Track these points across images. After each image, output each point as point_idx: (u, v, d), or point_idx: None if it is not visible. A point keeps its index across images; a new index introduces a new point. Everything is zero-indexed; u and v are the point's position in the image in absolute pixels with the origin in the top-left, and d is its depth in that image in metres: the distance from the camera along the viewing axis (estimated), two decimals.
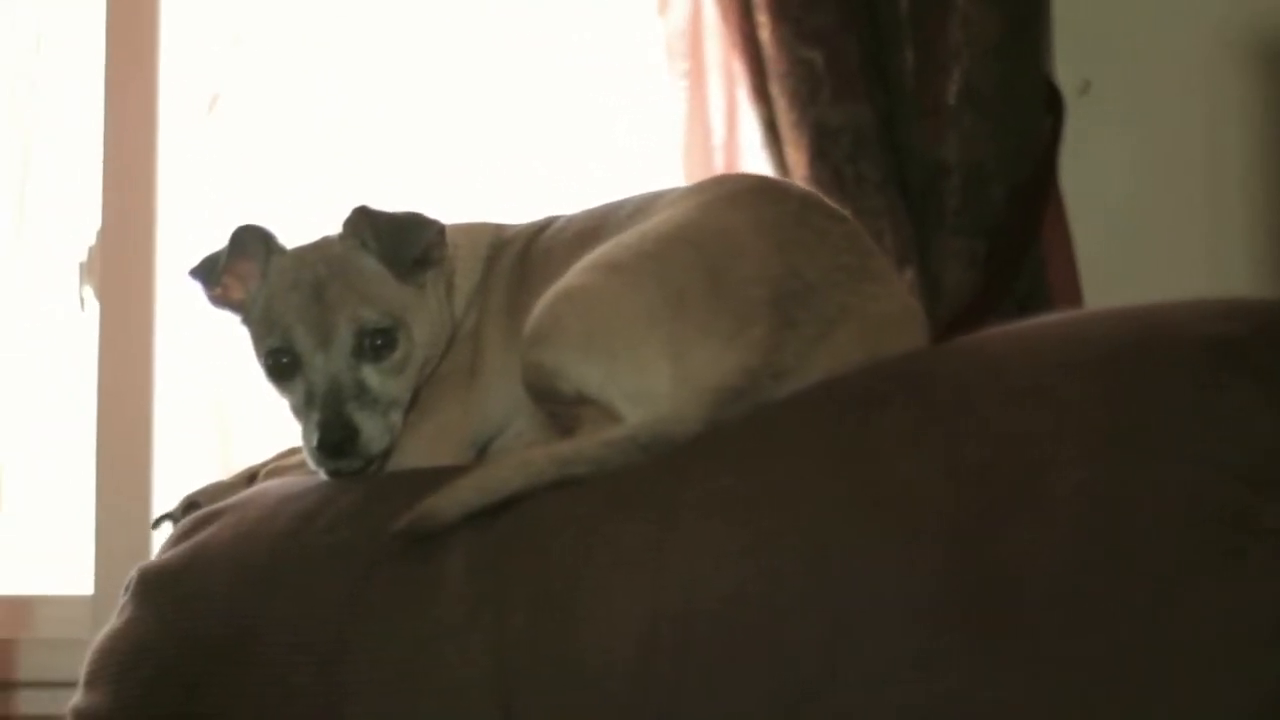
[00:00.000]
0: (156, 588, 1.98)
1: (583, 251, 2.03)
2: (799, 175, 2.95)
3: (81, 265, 3.38)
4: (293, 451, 2.26)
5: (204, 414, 3.39)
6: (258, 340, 2.11)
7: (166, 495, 3.32)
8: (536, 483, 1.82)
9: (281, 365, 2.07)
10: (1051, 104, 3.07)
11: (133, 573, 2.05)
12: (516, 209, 2.99)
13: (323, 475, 2.04)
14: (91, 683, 1.97)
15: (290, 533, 1.93)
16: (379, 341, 2.04)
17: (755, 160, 3.08)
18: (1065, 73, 3.13)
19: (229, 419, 3.37)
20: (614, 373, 1.85)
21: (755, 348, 1.81)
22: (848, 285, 1.88)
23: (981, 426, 1.70)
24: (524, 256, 2.15)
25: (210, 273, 2.11)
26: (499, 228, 2.24)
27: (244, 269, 2.13)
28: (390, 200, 3.12)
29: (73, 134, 3.43)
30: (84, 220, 3.40)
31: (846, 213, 2.01)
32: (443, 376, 2.12)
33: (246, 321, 2.15)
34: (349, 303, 2.04)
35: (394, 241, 2.06)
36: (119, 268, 3.33)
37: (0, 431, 3.20)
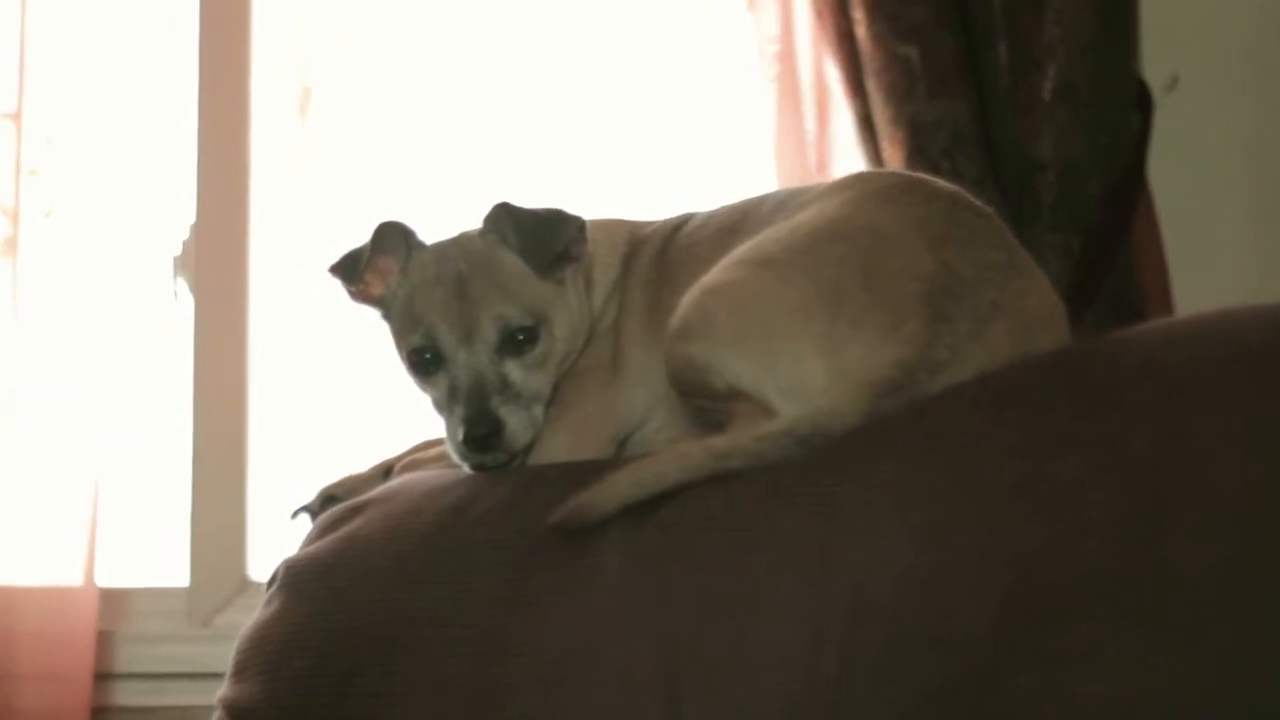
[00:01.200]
0: (306, 580, 1.99)
1: (725, 248, 2.04)
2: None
3: (175, 259, 3.40)
4: (426, 445, 2.28)
5: (297, 406, 3.40)
6: (399, 336, 2.12)
7: (261, 488, 3.35)
8: (693, 476, 1.83)
9: (424, 361, 2.09)
10: (1141, 100, 3.09)
11: (279, 565, 2.06)
12: (608, 205, 3.04)
13: (466, 469, 2.05)
14: (241, 673, 1.99)
15: (441, 526, 1.95)
16: (521, 337, 2.06)
17: (847, 155, 3.11)
18: (1151, 69, 3.14)
19: (321, 408, 3.39)
20: (768, 367, 1.87)
21: (910, 342, 1.83)
22: (998, 281, 1.90)
23: (1139, 422, 1.72)
24: (662, 253, 2.17)
25: (352, 270, 2.13)
26: (634, 224, 2.26)
27: (383, 265, 2.14)
28: (481, 195, 3.16)
29: (167, 129, 3.44)
30: (178, 214, 3.41)
31: (990, 210, 2.03)
32: (582, 371, 2.13)
33: (387, 317, 2.17)
34: (492, 299, 2.06)
35: (536, 238, 2.08)
36: (213, 261, 3.35)
37: (98, 425, 3.21)
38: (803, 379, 1.85)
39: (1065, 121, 2.98)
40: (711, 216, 2.18)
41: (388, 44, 3.38)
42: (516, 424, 2.03)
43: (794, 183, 3.15)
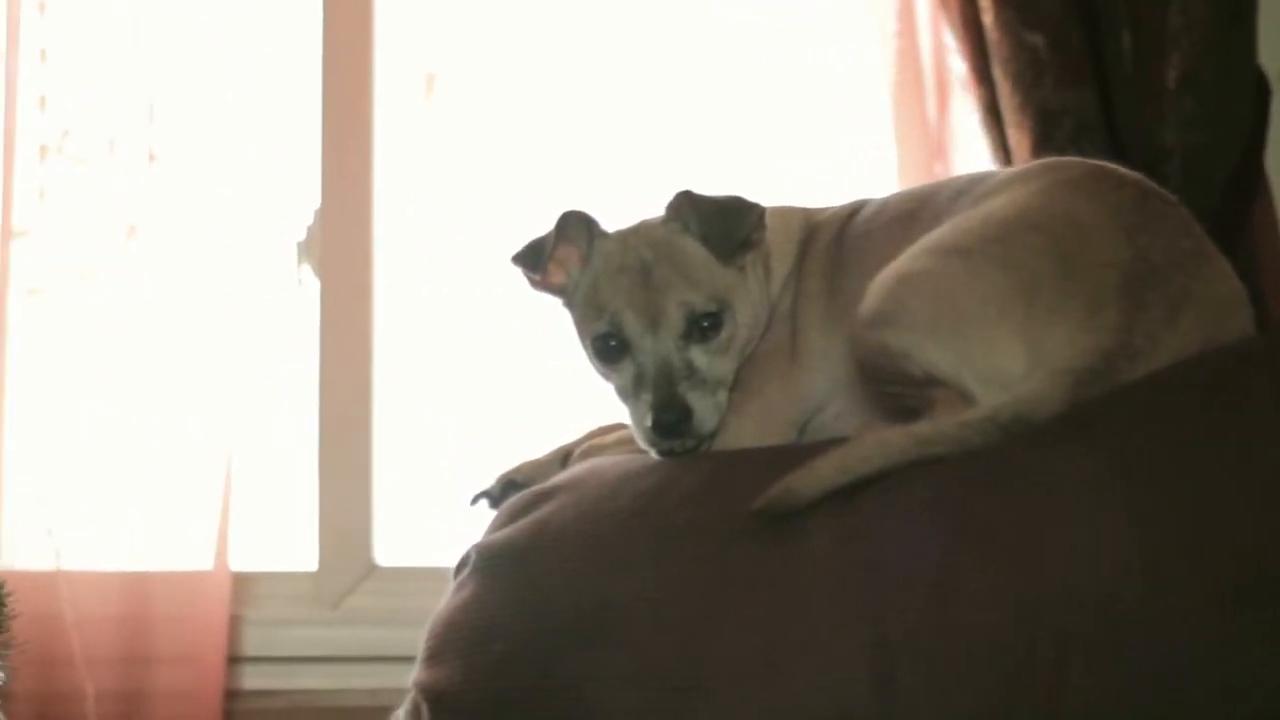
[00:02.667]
0: (501, 565, 2.01)
1: (903, 235, 2.07)
2: (1022, 157, 3.00)
3: (299, 245, 3.43)
4: (602, 430, 2.31)
5: (422, 391, 3.43)
6: (583, 324, 2.15)
7: (387, 474, 3.38)
8: (896, 462, 1.85)
9: (609, 348, 2.11)
10: (1259, 90, 3.11)
11: (469, 550, 2.08)
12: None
13: (654, 455, 2.07)
14: (436, 658, 2.00)
15: (637, 511, 1.97)
16: (705, 324, 2.08)
17: (968, 142, 3.13)
18: (1267, 60, 3.16)
19: (445, 394, 3.42)
20: (966, 355, 1.89)
21: (1109, 330, 1.85)
22: (1189, 268, 1.92)
23: None
24: (838, 239, 2.19)
25: (536, 259, 2.15)
26: (808, 210, 2.28)
27: (564, 253, 2.17)
28: (603, 179, 3.19)
29: (290, 114, 3.47)
30: (301, 200, 3.44)
31: (1175, 197, 2.05)
32: (762, 357, 2.15)
33: (569, 305, 2.19)
34: (677, 286, 2.08)
35: (719, 225, 2.10)
36: (338, 247, 3.38)
37: (228, 413, 3.24)
38: (1001, 367, 1.87)
39: (1189, 110, 3.00)
40: (886, 203, 2.20)
41: (510, 28, 3.40)
42: (703, 409, 2.06)
43: (913, 168, 3.19)
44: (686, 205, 2.12)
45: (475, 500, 2.26)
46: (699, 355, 2.08)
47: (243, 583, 3.29)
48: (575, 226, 2.15)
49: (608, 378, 2.14)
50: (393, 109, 3.45)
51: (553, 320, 3.16)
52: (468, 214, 3.37)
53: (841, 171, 3.29)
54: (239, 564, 3.29)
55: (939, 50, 3.21)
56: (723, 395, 2.10)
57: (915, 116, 3.22)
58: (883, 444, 1.87)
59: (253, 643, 3.27)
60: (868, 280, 2.04)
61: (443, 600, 2.09)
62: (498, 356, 3.31)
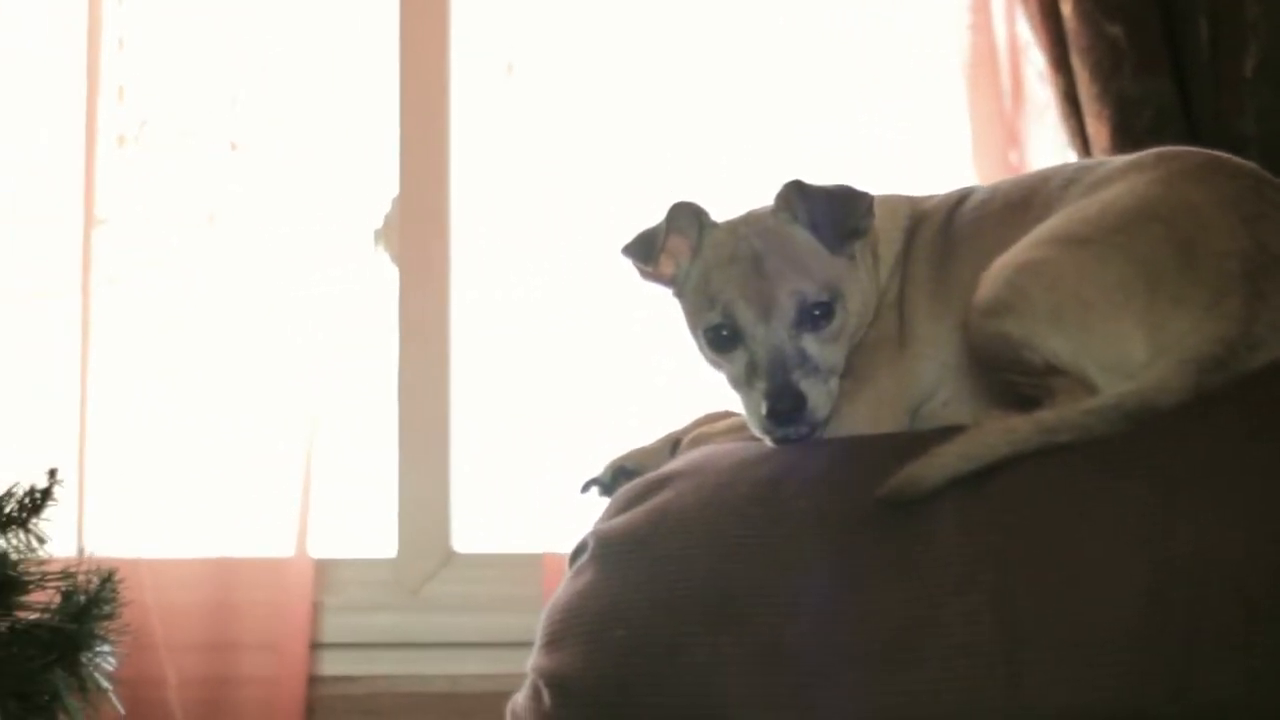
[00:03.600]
0: (621, 552, 2.03)
1: (1014, 223, 2.09)
2: (1101, 146, 3.02)
3: (377, 232, 3.45)
4: (710, 418, 2.33)
5: (499, 379, 3.45)
6: (695, 314, 2.16)
7: (465, 461, 3.40)
8: (1020, 450, 1.87)
9: (721, 338, 2.12)
10: None
11: (587, 537, 2.10)
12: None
13: (768, 442, 2.09)
14: (556, 643, 2.02)
15: (757, 498, 1.99)
16: (817, 312, 2.10)
17: (1042, 131, 3.16)
18: None
19: (521, 382, 3.44)
20: (1087, 344, 1.91)
21: (1232, 319, 1.87)
22: None
23: None
24: (946, 227, 2.20)
25: (648, 250, 2.17)
26: (913, 199, 2.29)
27: (674, 244, 2.18)
28: (680, 167, 3.21)
29: (368, 103, 3.49)
30: (379, 188, 3.47)
31: None
32: (870, 345, 2.17)
33: (679, 296, 2.21)
34: (788, 276, 2.10)
35: (829, 215, 2.12)
36: (416, 233, 3.41)
37: (307, 401, 3.26)
38: (1124, 355, 1.89)
39: (1267, 99, 3.02)
40: (994, 192, 2.21)
41: (590, 17, 3.41)
42: (817, 397, 2.07)
43: (988, 157, 3.21)
44: (796, 195, 2.13)
45: (586, 487, 2.29)
46: (811, 344, 2.10)
47: (323, 570, 3.32)
48: (685, 217, 2.17)
49: (719, 367, 2.15)
50: (471, 97, 3.47)
51: (631, 307, 3.20)
52: (545, 200, 3.38)
53: (917, 160, 3.30)
54: (320, 551, 3.31)
55: (1013, 39, 3.24)
56: (834, 383, 2.11)
57: (990, 106, 3.24)
58: (1008, 431, 1.88)
59: (333, 629, 3.29)
60: (979, 268, 2.06)
61: (560, 586, 2.10)
62: (574, 343, 3.31)
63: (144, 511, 3.21)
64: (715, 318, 2.12)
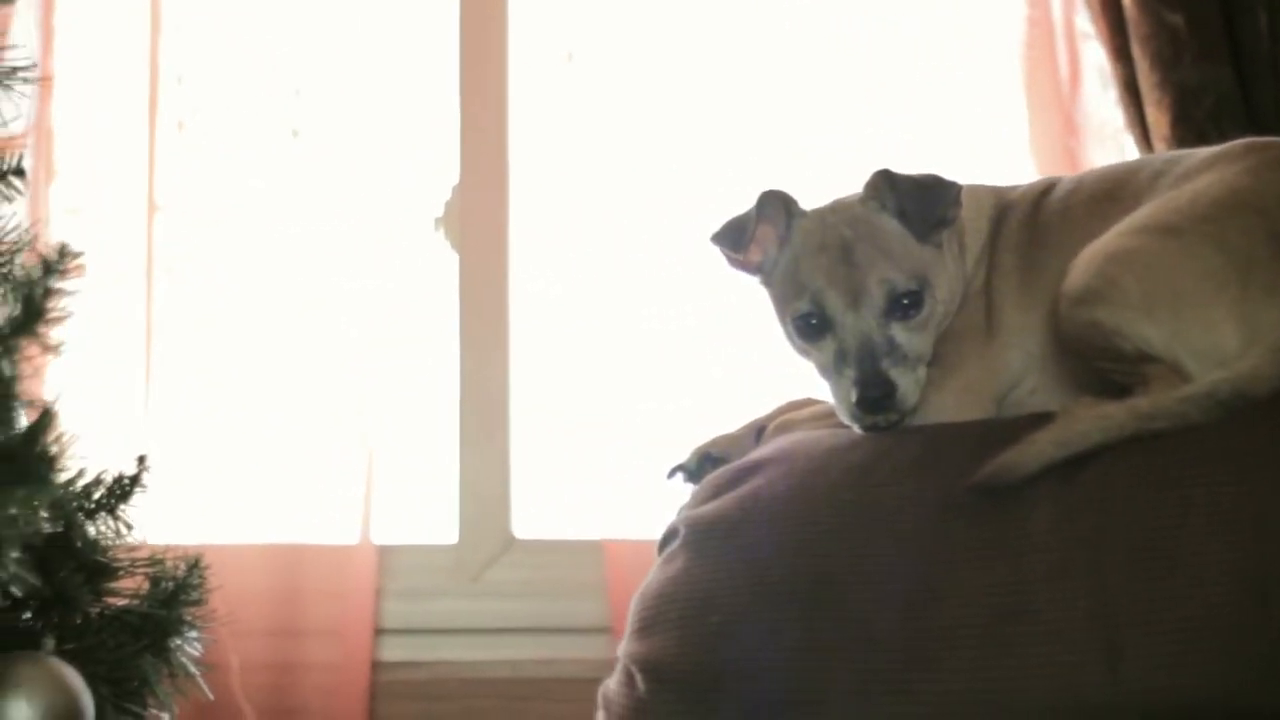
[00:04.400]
0: (713, 538, 2.05)
1: (1104, 213, 2.10)
2: (1161, 134, 3.04)
3: (437, 219, 3.47)
4: (793, 405, 2.34)
5: (557, 365, 3.47)
6: (783, 302, 2.18)
7: (525, 448, 3.42)
8: (1115, 437, 1.89)
9: (810, 326, 2.14)
10: None
11: (677, 523, 2.11)
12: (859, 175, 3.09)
13: (856, 430, 2.10)
14: (648, 629, 2.04)
15: (850, 485, 2.01)
16: (906, 301, 2.11)
17: (1100, 118, 3.17)
18: None
19: (580, 368, 3.45)
20: (1180, 332, 1.93)
21: None
22: None
23: None
24: (1032, 217, 2.21)
25: (738, 238, 2.18)
26: (996, 189, 2.30)
27: (762, 232, 2.20)
28: (739, 155, 3.22)
29: (427, 89, 3.50)
30: (439, 175, 3.49)
31: None
32: (958, 333, 2.18)
33: (767, 284, 2.22)
34: (878, 264, 2.11)
35: (919, 204, 2.13)
36: (476, 221, 3.43)
37: (371, 389, 3.28)
38: (1217, 344, 1.91)
39: None
40: (1080, 182, 2.23)
41: (649, 5, 3.42)
42: (906, 385, 2.09)
43: (1047, 146, 3.23)
44: (884, 184, 2.15)
45: (672, 473, 2.30)
46: (900, 332, 2.11)
47: (385, 556, 3.33)
48: (774, 205, 2.18)
49: (806, 355, 2.17)
50: (530, 85, 3.49)
51: (690, 293, 3.22)
52: (604, 186, 3.40)
53: (975, 150, 3.32)
54: (382, 538, 3.32)
55: (1070, 28, 3.26)
56: (923, 371, 2.13)
57: (1048, 94, 3.26)
58: (1102, 418, 1.90)
59: (395, 615, 3.30)
60: (1068, 259, 2.07)
61: (650, 573, 2.12)
62: (633, 330, 3.33)
63: (209, 498, 3.23)
64: (804, 306, 2.14)
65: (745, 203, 3.11)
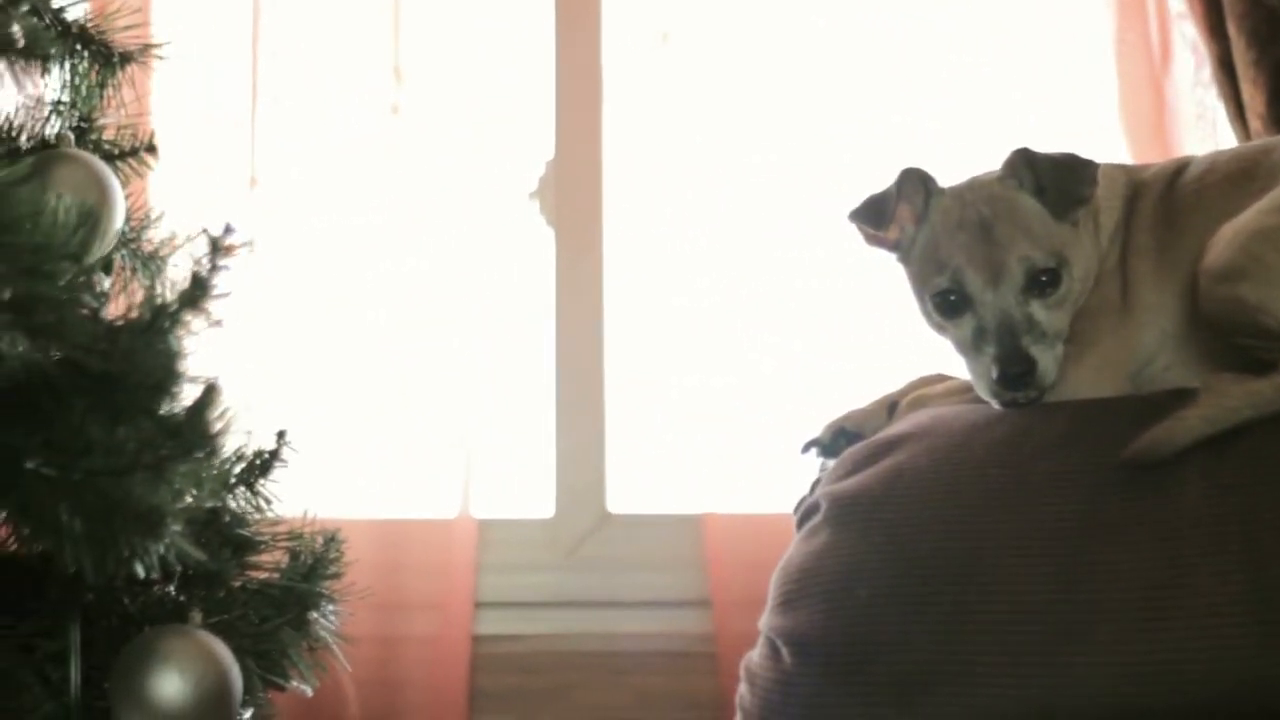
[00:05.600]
0: (857, 512, 2.07)
1: (1240, 192, 2.12)
2: (1256, 112, 3.04)
3: (532, 195, 3.49)
4: (924, 381, 2.36)
5: (651, 343, 3.49)
6: (921, 280, 2.19)
7: (621, 423, 3.43)
8: (1264, 412, 1.92)
9: (949, 303, 2.16)
10: None
11: (817, 498, 2.13)
12: (950, 154, 3.11)
13: (996, 406, 2.12)
14: (793, 603, 2.06)
15: (997, 460, 2.03)
16: (1044, 278, 2.13)
17: (1192, 96, 3.18)
18: None
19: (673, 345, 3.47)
20: None
21: None
22: None
23: None
24: (1166, 196, 2.23)
25: (879, 216, 2.20)
26: (1127, 168, 2.32)
27: (900, 210, 2.21)
28: (831, 135, 3.23)
29: (521, 66, 3.52)
30: (535, 151, 3.51)
31: None
32: (1093, 311, 2.20)
33: (905, 261, 2.24)
34: (1017, 242, 2.13)
35: (1057, 182, 2.15)
36: (571, 196, 3.45)
37: (470, 367, 3.30)
38: None
39: None
40: (1214, 162, 2.24)
41: None
42: (1046, 362, 2.11)
43: (1137, 121, 3.24)
44: (1023, 163, 2.17)
45: (805, 448, 2.32)
46: (1038, 309, 2.13)
47: (483, 530, 3.35)
48: (912, 183, 2.20)
49: (944, 332, 2.19)
50: (625, 64, 3.51)
51: (782, 267, 3.24)
52: (698, 163, 3.40)
53: (1067, 125, 3.33)
54: (481, 513, 3.34)
55: (1161, 4, 3.26)
56: (1060, 348, 2.15)
57: (1140, 70, 3.26)
58: (1250, 394, 1.92)
59: (492, 589, 3.32)
60: (1204, 237, 2.10)
61: (791, 548, 2.14)
62: (727, 304, 3.35)
63: (313, 473, 3.24)
64: (943, 283, 2.16)
65: (840, 177, 3.15)
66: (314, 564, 2.24)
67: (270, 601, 2.19)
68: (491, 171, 3.42)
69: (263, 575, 2.22)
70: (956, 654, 1.92)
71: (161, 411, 1.80)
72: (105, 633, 2.05)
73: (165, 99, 3.29)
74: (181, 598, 2.12)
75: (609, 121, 3.49)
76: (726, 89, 3.40)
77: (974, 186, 2.20)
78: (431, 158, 3.38)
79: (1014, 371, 2.09)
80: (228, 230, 1.88)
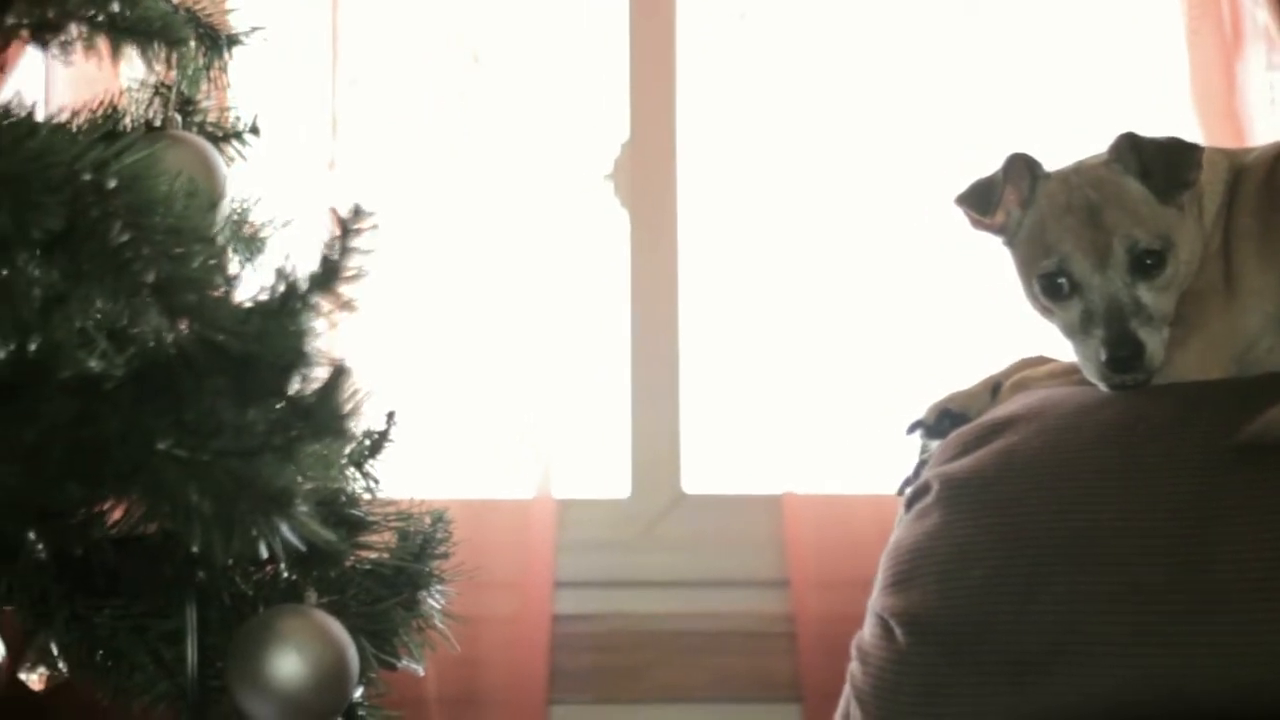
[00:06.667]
0: (968, 493, 2.09)
1: None
2: None
3: (607, 176, 3.51)
4: (1025, 364, 2.38)
5: (725, 324, 3.51)
6: (1027, 264, 2.21)
7: (696, 402, 3.46)
8: None
9: (1056, 287, 2.18)
10: None
11: (928, 479, 2.15)
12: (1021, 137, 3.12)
13: (1103, 388, 2.14)
14: (905, 583, 2.08)
15: (1109, 441, 2.05)
16: (1150, 261, 2.15)
17: (1264, 78, 3.20)
18: None
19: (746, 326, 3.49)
20: None
21: None
22: None
23: None
24: (1270, 182, 2.25)
25: (986, 201, 2.22)
26: (1229, 152, 2.34)
27: (1005, 194, 2.23)
28: (906, 120, 3.25)
29: (596, 47, 3.54)
30: (609, 133, 3.54)
31: None
32: (1198, 294, 2.22)
33: (1010, 245, 2.26)
34: (1124, 226, 2.15)
35: (1163, 166, 2.16)
36: (645, 178, 3.46)
37: (541, 343, 3.32)
38: None
39: None
40: None
41: None
42: (1154, 345, 2.13)
43: (1208, 102, 3.25)
44: (1129, 147, 2.18)
45: (911, 429, 2.33)
46: (1145, 292, 2.15)
47: (559, 509, 3.37)
48: (1018, 168, 2.21)
49: (1050, 315, 2.21)
50: (701, 44, 3.52)
51: (859, 247, 3.26)
52: (776, 139, 3.42)
53: (1139, 105, 3.35)
54: (560, 492, 3.37)
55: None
56: (1166, 331, 2.16)
57: (1211, 51, 3.27)
58: None
59: (569, 568, 3.34)
60: None
61: (901, 528, 2.16)
62: (802, 283, 3.37)
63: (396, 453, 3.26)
64: (1050, 266, 2.17)
65: (919, 155, 3.16)
66: (423, 543, 2.25)
67: (382, 581, 2.20)
68: (567, 153, 3.43)
69: (373, 555, 2.23)
70: (1075, 634, 1.95)
71: (291, 393, 1.81)
72: (219, 612, 2.06)
73: (242, 80, 3.29)
74: (293, 577, 2.13)
75: (684, 101, 3.50)
76: (803, 66, 3.41)
77: (1080, 170, 2.22)
78: (507, 139, 3.40)
79: (1122, 354, 2.10)
80: (358, 212, 1.89)
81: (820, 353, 3.35)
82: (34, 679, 2.17)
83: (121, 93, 2.22)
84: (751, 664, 3.30)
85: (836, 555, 3.19)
